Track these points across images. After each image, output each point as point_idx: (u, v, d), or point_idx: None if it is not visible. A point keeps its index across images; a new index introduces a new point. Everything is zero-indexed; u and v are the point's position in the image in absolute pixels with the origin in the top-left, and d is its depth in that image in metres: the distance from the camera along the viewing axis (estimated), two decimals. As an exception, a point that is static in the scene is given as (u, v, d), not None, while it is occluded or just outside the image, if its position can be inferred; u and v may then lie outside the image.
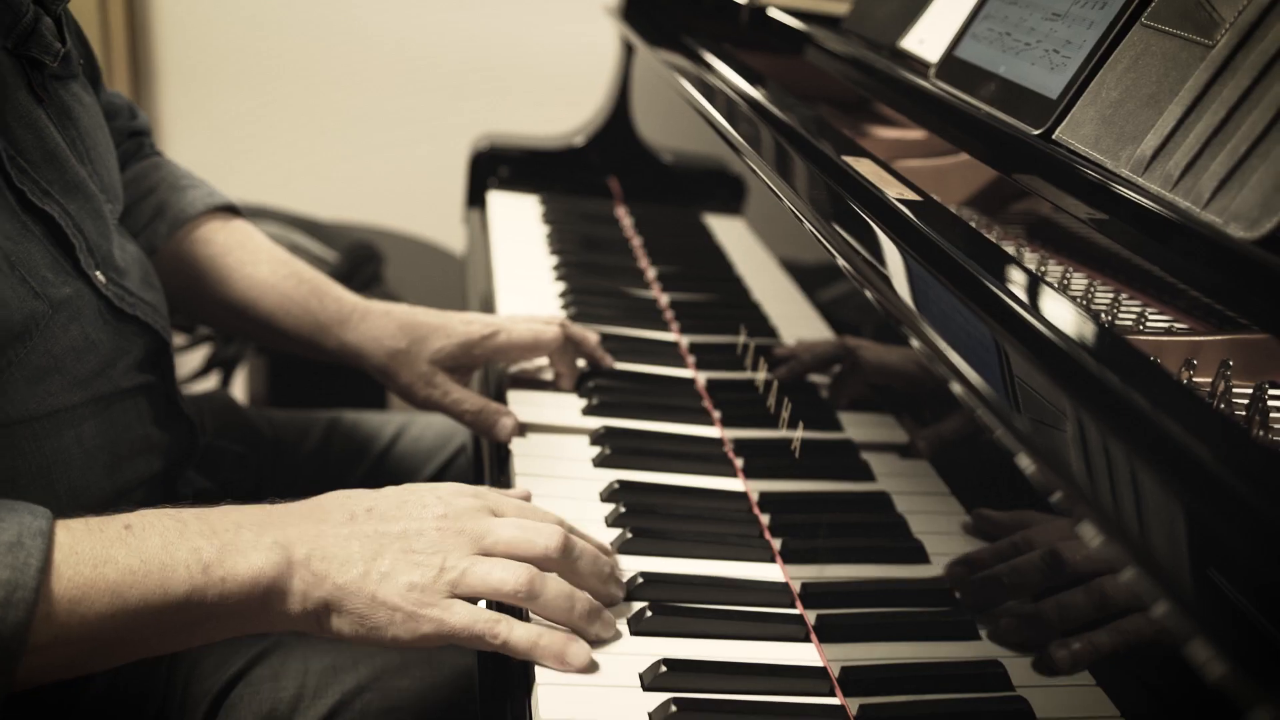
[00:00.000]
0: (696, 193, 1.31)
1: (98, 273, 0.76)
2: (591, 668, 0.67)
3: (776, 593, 0.77)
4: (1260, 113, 0.62)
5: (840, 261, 0.72)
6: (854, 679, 0.68)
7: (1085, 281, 0.71)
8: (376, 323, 0.95)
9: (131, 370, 0.79)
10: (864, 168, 0.82)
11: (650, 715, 0.65)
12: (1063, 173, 0.74)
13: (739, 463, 0.93)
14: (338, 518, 0.67)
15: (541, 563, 0.68)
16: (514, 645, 0.66)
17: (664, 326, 1.18)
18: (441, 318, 0.96)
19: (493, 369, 1.04)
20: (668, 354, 1.11)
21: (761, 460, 0.90)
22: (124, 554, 0.61)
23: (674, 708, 0.64)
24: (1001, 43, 0.90)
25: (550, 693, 0.65)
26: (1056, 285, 0.67)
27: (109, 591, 0.60)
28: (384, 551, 0.66)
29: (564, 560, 0.69)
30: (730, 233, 1.14)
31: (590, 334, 1.03)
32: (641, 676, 0.67)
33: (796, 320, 0.91)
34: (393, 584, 0.65)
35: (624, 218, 1.50)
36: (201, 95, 2.22)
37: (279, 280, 0.98)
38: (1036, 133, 0.79)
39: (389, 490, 0.71)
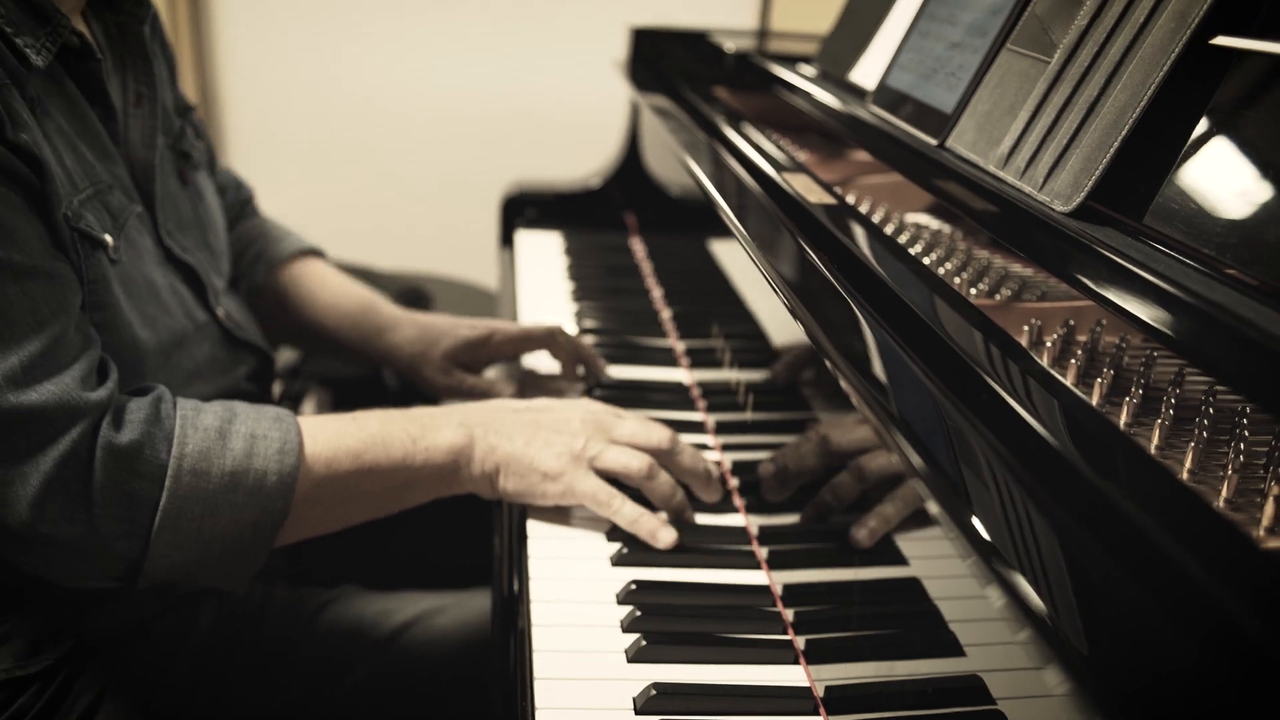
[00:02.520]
0: (702, 222, 1.49)
1: (220, 309, 1.01)
2: (673, 546, 0.89)
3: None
4: (1076, 113, 0.78)
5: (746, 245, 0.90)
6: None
7: (959, 258, 0.87)
8: (403, 330, 1.18)
9: (243, 380, 1.04)
10: (798, 182, 1.00)
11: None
12: (950, 173, 0.91)
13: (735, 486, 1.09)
14: (505, 410, 0.93)
15: (656, 454, 0.91)
16: (623, 515, 0.89)
17: (662, 333, 1.35)
18: (451, 322, 1.18)
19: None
20: (673, 390, 1.28)
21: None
22: (355, 430, 0.87)
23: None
24: (918, 70, 1.07)
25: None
26: (917, 258, 0.83)
27: (350, 454, 0.85)
28: (539, 432, 0.90)
29: (672, 453, 0.92)
30: (729, 253, 1.31)
31: (584, 343, 1.22)
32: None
33: (786, 328, 1.06)
34: (546, 454, 0.89)
35: (638, 247, 1.68)
36: (267, 160, 2.48)
37: (341, 301, 1.22)
38: (934, 143, 0.95)
39: (542, 399, 0.96)
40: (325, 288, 1.24)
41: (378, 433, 0.88)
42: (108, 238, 0.86)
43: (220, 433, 0.82)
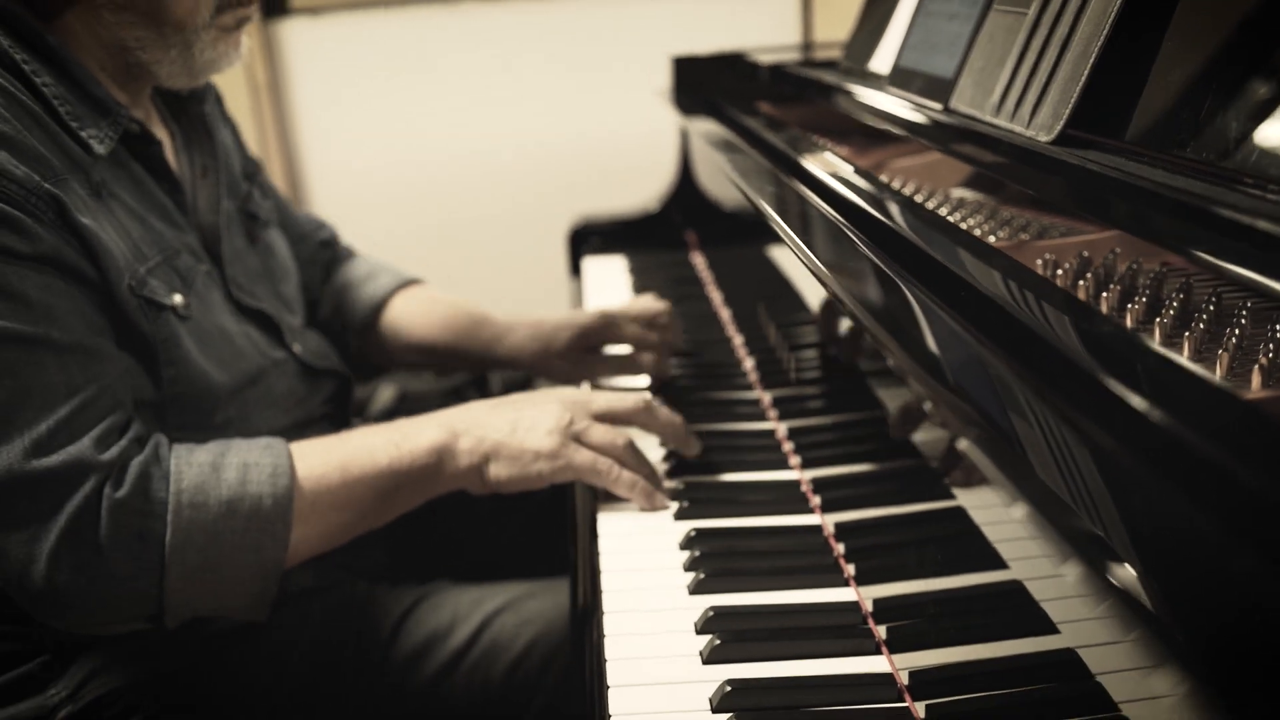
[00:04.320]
0: (755, 230, 1.56)
1: (296, 345, 1.11)
2: (663, 509, 0.97)
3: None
4: (1052, 51, 0.83)
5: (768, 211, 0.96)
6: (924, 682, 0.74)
7: (970, 206, 0.92)
8: (517, 334, 1.29)
9: (321, 404, 1.14)
10: (815, 160, 1.07)
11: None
12: (953, 129, 0.96)
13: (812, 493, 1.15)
14: (484, 406, 1.00)
15: (634, 417, 1.00)
16: (622, 481, 0.96)
17: (721, 329, 1.42)
18: (565, 316, 1.28)
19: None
20: (747, 408, 1.35)
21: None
22: (340, 445, 0.94)
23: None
24: (923, 47, 1.13)
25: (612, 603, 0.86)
26: (932, 210, 0.89)
27: (338, 468, 0.92)
28: (522, 417, 0.97)
29: (649, 414, 1.00)
30: (781, 254, 1.37)
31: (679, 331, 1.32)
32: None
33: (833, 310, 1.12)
34: (535, 434, 0.95)
35: (698, 261, 1.76)
36: (345, 212, 2.64)
37: (451, 321, 1.32)
38: (940, 107, 1.01)
39: (515, 394, 1.03)
40: (436, 311, 1.33)
41: (362, 444, 0.95)
42: (177, 297, 0.96)
43: (214, 466, 0.89)
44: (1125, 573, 0.52)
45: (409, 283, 1.38)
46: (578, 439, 0.96)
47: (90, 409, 0.85)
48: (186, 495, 0.86)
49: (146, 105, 1.06)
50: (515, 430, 0.96)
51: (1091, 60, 0.78)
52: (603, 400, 1.00)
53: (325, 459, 0.93)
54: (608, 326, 1.27)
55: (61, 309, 0.85)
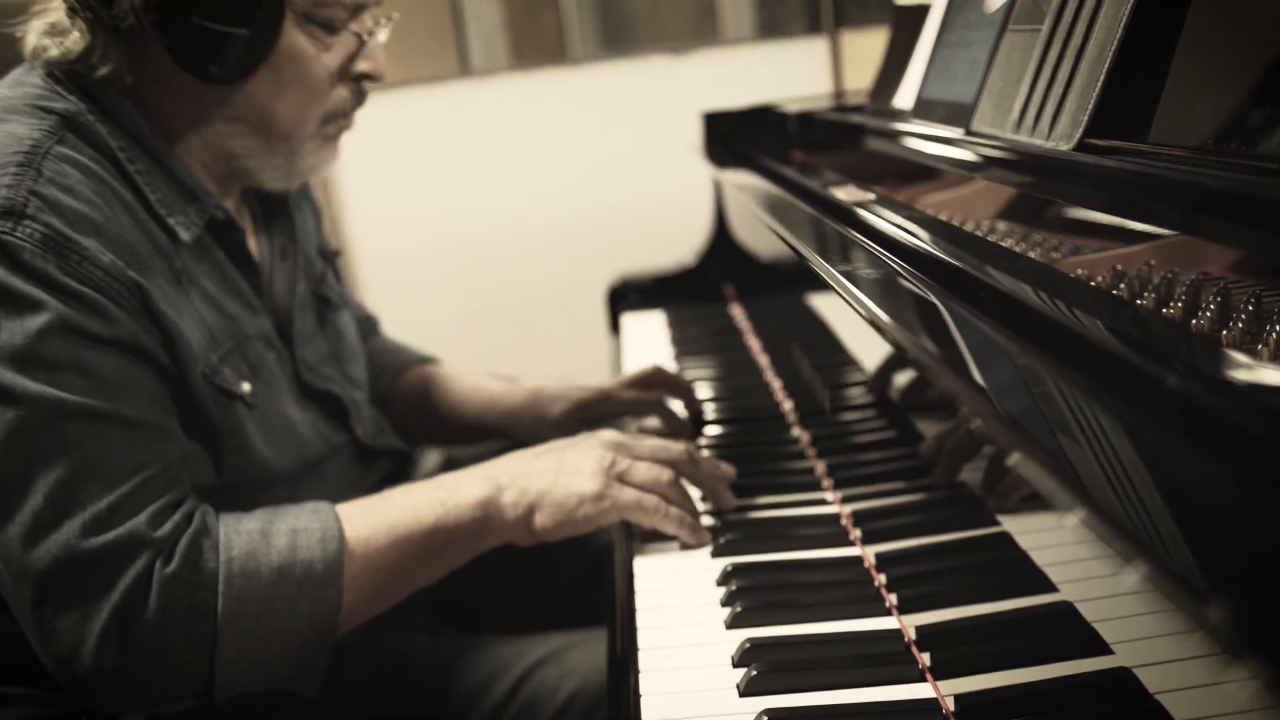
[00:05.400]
0: (791, 278, 1.55)
1: (359, 428, 1.13)
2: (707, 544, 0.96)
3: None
4: (1067, 63, 0.83)
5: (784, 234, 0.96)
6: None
7: (1001, 232, 0.91)
8: (509, 402, 1.30)
9: (377, 483, 1.15)
10: (844, 191, 1.06)
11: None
12: (975, 151, 0.96)
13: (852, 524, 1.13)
14: (525, 455, 0.99)
15: (677, 465, 0.97)
16: (670, 517, 0.94)
17: (760, 374, 1.41)
18: (563, 387, 1.27)
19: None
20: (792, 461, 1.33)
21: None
22: (385, 506, 0.94)
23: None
24: (944, 78, 1.13)
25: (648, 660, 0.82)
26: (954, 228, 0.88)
27: (385, 529, 0.92)
28: (565, 463, 0.96)
29: (691, 463, 0.98)
30: (819, 300, 1.36)
31: (687, 382, 1.29)
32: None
33: (877, 358, 1.10)
34: (579, 478, 0.94)
35: (736, 312, 1.76)
36: (389, 289, 2.69)
37: (451, 392, 1.34)
38: (963, 132, 1.01)
39: (557, 440, 1.02)
40: (459, 383, 1.35)
41: (406, 503, 0.94)
42: (245, 385, 0.98)
43: (263, 533, 0.89)
44: (1186, 588, 0.50)
45: (430, 360, 1.40)
46: (621, 479, 0.95)
47: (151, 486, 0.86)
48: (237, 564, 0.87)
49: (235, 197, 1.09)
50: (559, 476, 0.95)
51: (1107, 65, 0.77)
52: (646, 446, 0.99)
53: (372, 521, 0.93)
54: (605, 400, 1.26)
55: (132, 388, 0.87)
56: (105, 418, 0.85)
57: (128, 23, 0.91)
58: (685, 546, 0.96)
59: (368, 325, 1.44)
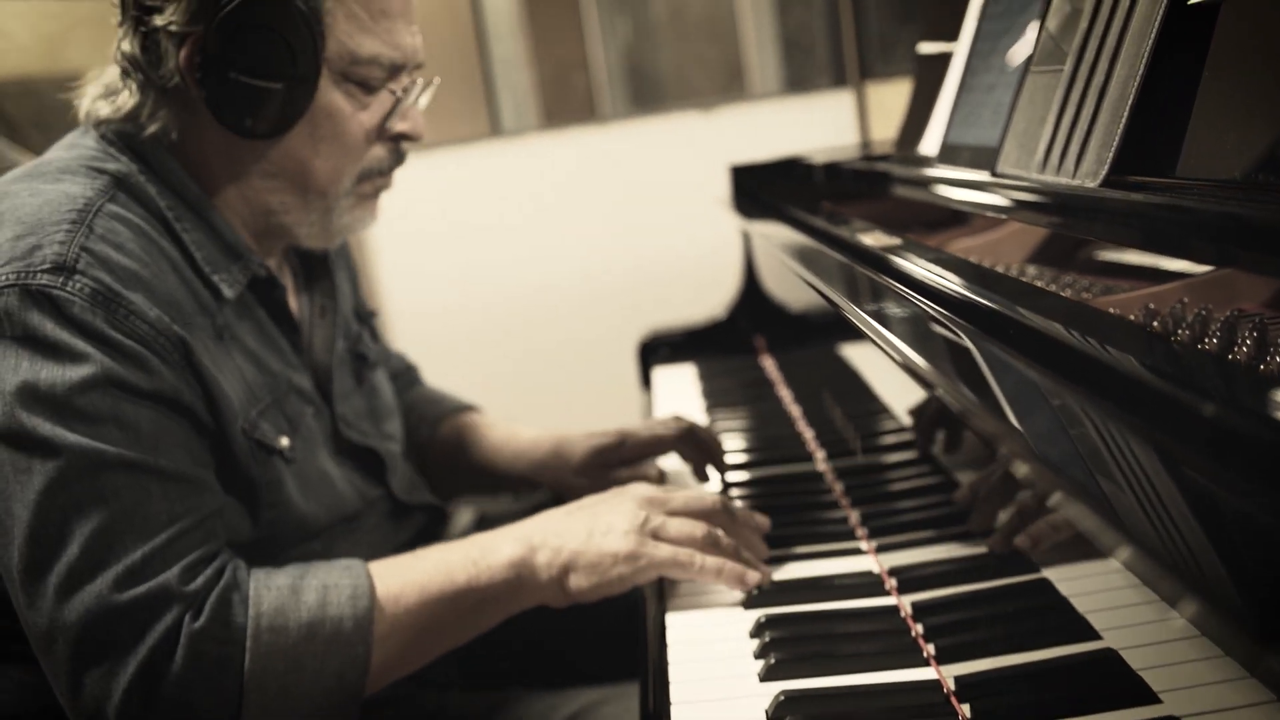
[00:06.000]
0: (823, 328, 1.55)
1: (394, 483, 1.13)
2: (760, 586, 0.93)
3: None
4: (1090, 101, 0.82)
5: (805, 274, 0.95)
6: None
7: (1032, 274, 0.90)
8: (537, 453, 1.29)
9: (412, 538, 1.16)
10: (871, 237, 1.06)
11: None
12: (1001, 193, 0.95)
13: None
14: (558, 514, 0.97)
15: (711, 516, 0.96)
16: (707, 569, 0.92)
17: (792, 425, 1.40)
18: (585, 433, 1.27)
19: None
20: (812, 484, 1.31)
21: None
22: (417, 564, 0.93)
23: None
24: (968, 122, 1.13)
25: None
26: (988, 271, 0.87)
27: (416, 588, 0.91)
28: (598, 521, 0.94)
29: (726, 514, 0.96)
30: (852, 350, 1.35)
31: (714, 439, 1.27)
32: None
33: (910, 405, 1.09)
34: (612, 537, 0.92)
35: (768, 363, 1.75)
36: (424, 343, 2.71)
37: (480, 440, 1.34)
38: (988, 174, 1.00)
39: (589, 496, 1.00)
40: (491, 433, 1.36)
41: (439, 561, 0.93)
42: (284, 440, 0.99)
43: (293, 589, 0.88)
44: (1235, 632, 0.48)
45: (470, 408, 1.41)
46: (655, 535, 0.93)
47: (185, 539, 0.87)
48: (266, 619, 0.86)
49: (276, 256, 1.11)
50: (591, 535, 0.93)
51: (1130, 102, 0.77)
52: (679, 499, 0.98)
53: (403, 579, 0.92)
54: (622, 443, 1.25)
55: (170, 441, 0.88)
56: (142, 469, 0.85)
57: (174, 81, 0.95)
58: (713, 598, 0.94)
59: (409, 375, 1.45)
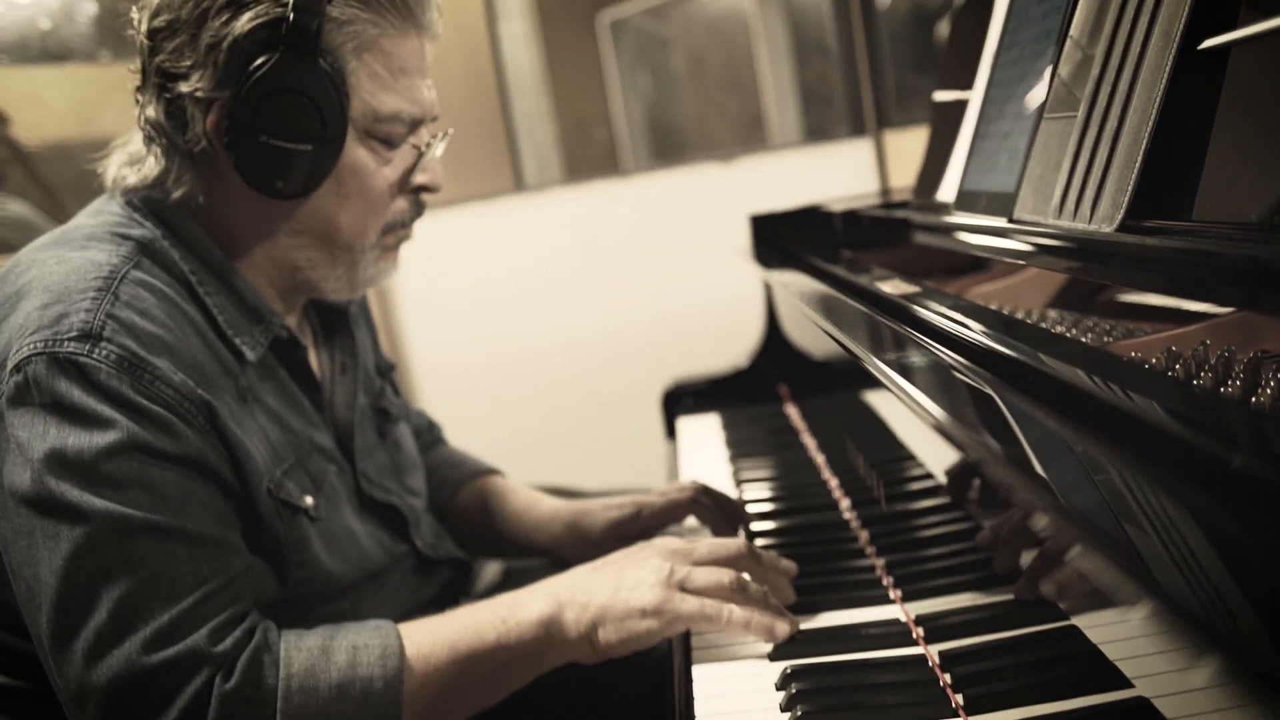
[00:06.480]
0: (849, 375, 1.55)
1: (418, 539, 1.14)
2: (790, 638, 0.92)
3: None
4: (1104, 147, 0.83)
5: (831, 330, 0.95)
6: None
7: (1053, 319, 0.90)
8: (555, 527, 1.30)
9: (438, 592, 1.16)
10: (891, 285, 1.06)
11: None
12: (1018, 239, 0.95)
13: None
14: (585, 570, 0.97)
15: (736, 563, 0.95)
16: (734, 621, 0.91)
17: (817, 473, 1.39)
18: (601, 504, 1.27)
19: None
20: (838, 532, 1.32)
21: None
22: (446, 624, 0.93)
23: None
24: (984, 168, 1.13)
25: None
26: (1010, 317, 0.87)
27: (446, 646, 0.91)
28: (624, 576, 0.94)
29: (751, 559, 0.96)
30: (874, 397, 1.35)
31: (728, 497, 1.27)
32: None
33: (934, 452, 1.09)
34: (639, 592, 0.92)
35: (792, 411, 1.74)
36: (451, 402, 2.72)
37: (527, 510, 1.34)
38: (1005, 221, 1.01)
39: (616, 551, 1.00)
40: (516, 497, 1.36)
41: (468, 621, 0.93)
42: (308, 499, 1.00)
43: (323, 649, 0.89)
44: (1269, 680, 0.47)
45: (493, 471, 1.41)
46: (682, 586, 0.93)
47: (213, 600, 0.87)
48: (296, 680, 0.87)
49: (298, 313, 1.13)
50: (619, 590, 0.93)
51: (1144, 146, 0.77)
52: (704, 547, 0.98)
53: (433, 639, 0.92)
54: (638, 514, 1.25)
55: (196, 504, 0.89)
56: (169, 533, 0.86)
57: (200, 146, 0.96)
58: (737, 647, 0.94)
59: (431, 434, 1.45)
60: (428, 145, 1.05)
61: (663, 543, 0.99)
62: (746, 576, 0.95)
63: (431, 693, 0.90)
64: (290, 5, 0.92)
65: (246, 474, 0.93)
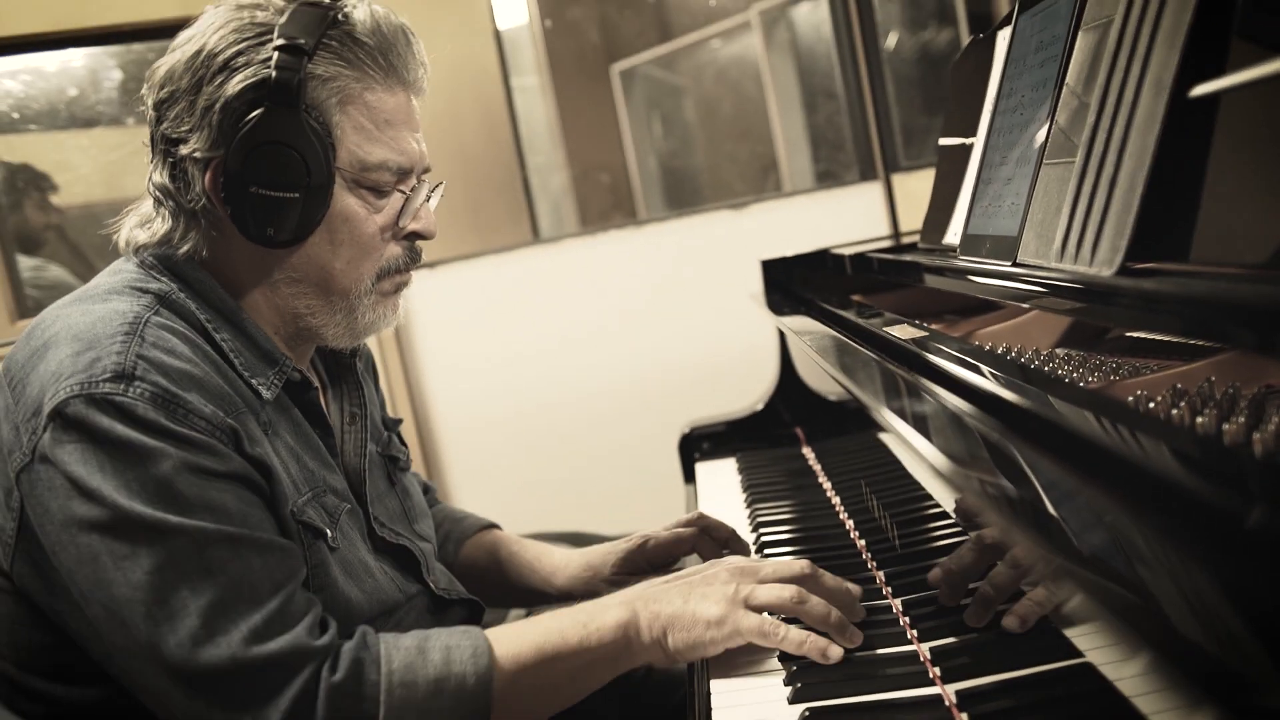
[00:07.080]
0: (863, 417, 1.56)
1: (431, 578, 1.17)
2: (844, 662, 0.96)
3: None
4: (1102, 192, 0.85)
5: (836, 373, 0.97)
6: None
7: (1060, 359, 0.92)
8: (569, 571, 1.34)
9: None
10: (900, 330, 1.08)
11: None
12: (1022, 282, 0.97)
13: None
14: (657, 582, 1.04)
15: (800, 582, 1.00)
16: (791, 640, 0.96)
17: (835, 515, 1.40)
18: (610, 544, 1.32)
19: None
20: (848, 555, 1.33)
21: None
22: (532, 627, 1.00)
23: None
24: (988, 213, 1.16)
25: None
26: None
27: (533, 647, 0.98)
28: (694, 589, 1.00)
29: (815, 580, 1.00)
30: (889, 437, 1.36)
31: (725, 525, 1.31)
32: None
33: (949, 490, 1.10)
34: (706, 604, 0.98)
35: (808, 453, 1.76)
36: (472, 448, 2.75)
37: (539, 561, 1.37)
38: (1009, 264, 1.03)
39: (686, 568, 1.07)
40: (526, 555, 1.40)
41: (552, 625, 0.99)
42: (327, 530, 1.04)
43: (419, 649, 0.95)
44: None
45: (492, 525, 1.45)
46: (746, 603, 0.99)
47: (295, 602, 0.93)
48: (397, 676, 0.93)
49: (307, 363, 1.18)
50: (688, 601, 1.00)
51: (1140, 191, 0.79)
52: (769, 567, 1.03)
53: (519, 640, 0.98)
54: (644, 545, 1.30)
55: (255, 516, 0.95)
56: (240, 542, 0.91)
57: (200, 203, 1.02)
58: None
59: (429, 495, 1.49)
60: (413, 191, 1.09)
61: (731, 561, 1.05)
62: (806, 591, 1.00)
63: (519, 690, 0.96)
64: (273, 64, 0.98)
65: (276, 494, 0.98)
